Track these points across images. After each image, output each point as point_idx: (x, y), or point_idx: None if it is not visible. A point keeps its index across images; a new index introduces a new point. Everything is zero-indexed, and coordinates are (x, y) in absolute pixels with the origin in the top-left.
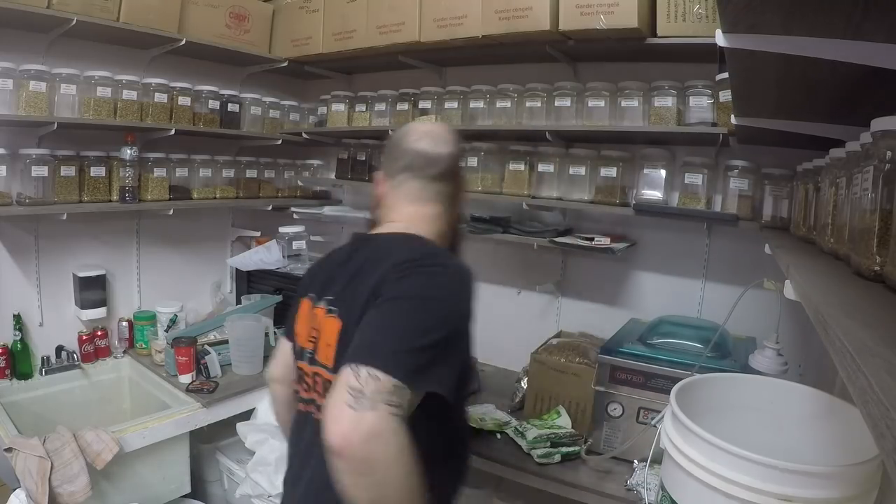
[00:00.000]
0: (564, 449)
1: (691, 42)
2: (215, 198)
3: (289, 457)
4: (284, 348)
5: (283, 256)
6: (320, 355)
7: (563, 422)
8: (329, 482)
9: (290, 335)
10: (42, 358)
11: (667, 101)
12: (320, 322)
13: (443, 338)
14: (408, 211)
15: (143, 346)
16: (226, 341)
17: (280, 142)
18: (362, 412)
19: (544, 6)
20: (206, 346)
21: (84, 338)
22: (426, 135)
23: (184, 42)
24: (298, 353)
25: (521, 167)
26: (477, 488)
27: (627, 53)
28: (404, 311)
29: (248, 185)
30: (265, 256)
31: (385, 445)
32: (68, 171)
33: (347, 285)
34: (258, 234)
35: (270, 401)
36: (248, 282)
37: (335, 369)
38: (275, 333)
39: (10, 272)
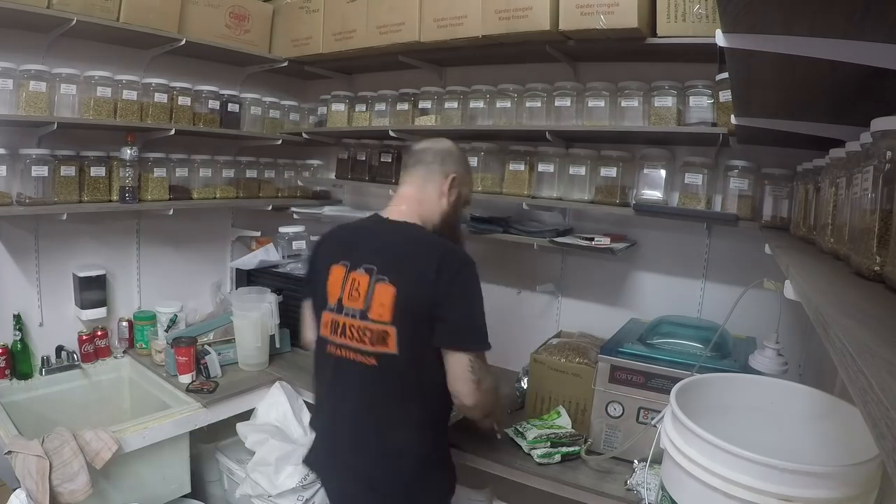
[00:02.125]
0: (564, 449)
1: (691, 42)
2: (215, 198)
3: (322, 394)
4: (310, 313)
5: (283, 257)
6: (373, 312)
7: (563, 422)
8: (370, 404)
9: (320, 294)
10: (42, 358)
11: (667, 101)
12: (364, 285)
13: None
14: (400, 192)
15: (143, 346)
16: (226, 341)
17: (280, 142)
18: (480, 386)
19: (544, 6)
20: (206, 346)
21: (84, 338)
22: (425, 142)
23: (184, 42)
24: (333, 308)
25: (521, 167)
26: (477, 488)
27: (627, 53)
28: (473, 300)
29: (248, 185)
30: (265, 258)
31: (489, 393)
32: (68, 171)
33: (389, 258)
34: (258, 234)
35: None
36: (249, 282)
37: (392, 323)
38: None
39: (10, 272)
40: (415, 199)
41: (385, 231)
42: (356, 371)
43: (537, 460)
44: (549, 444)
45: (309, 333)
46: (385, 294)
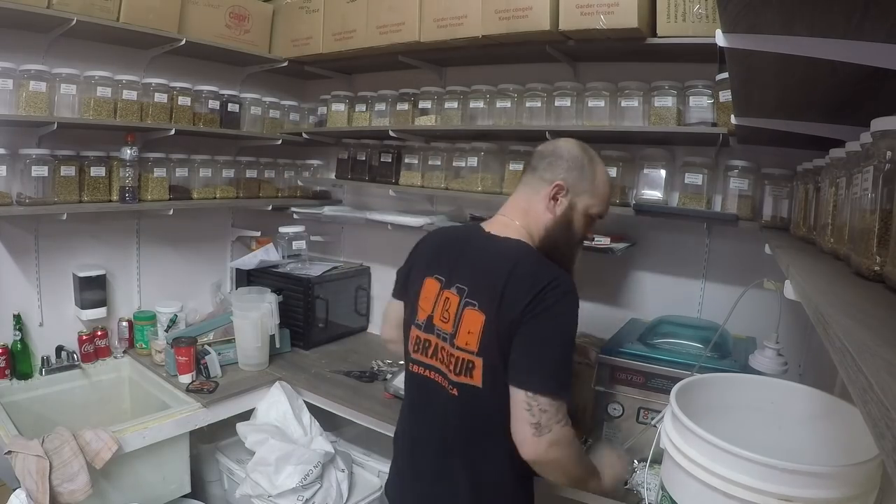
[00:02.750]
0: None
1: (691, 42)
2: (215, 198)
3: (405, 412)
4: (396, 312)
5: (283, 257)
6: (460, 339)
7: None
8: (450, 438)
9: (411, 305)
10: (42, 358)
11: (667, 101)
12: (454, 307)
13: (572, 354)
14: (510, 199)
15: (143, 346)
16: (226, 341)
17: (280, 142)
18: (542, 436)
19: (544, 6)
20: (206, 346)
21: (84, 338)
22: (549, 141)
23: (184, 42)
24: (421, 325)
25: (521, 167)
26: None
27: (627, 53)
28: (558, 336)
29: (248, 185)
30: (265, 258)
31: (561, 449)
32: (68, 171)
33: (481, 281)
34: (258, 234)
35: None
36: (248, 282)
37: (479, 353)
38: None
39: (10, 272)
40: (520, 208)
41: (482, 246)
42: (441, 397)
43: None
44: None
45: (390, 331)
46: (474, 321)
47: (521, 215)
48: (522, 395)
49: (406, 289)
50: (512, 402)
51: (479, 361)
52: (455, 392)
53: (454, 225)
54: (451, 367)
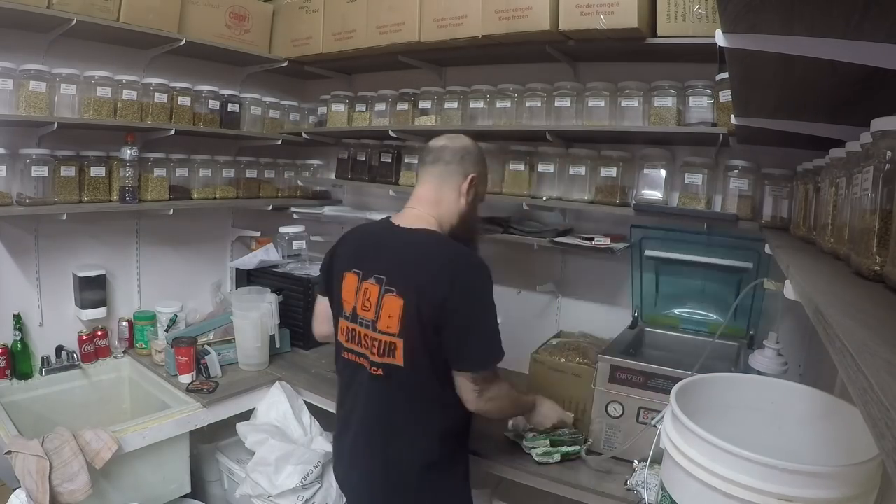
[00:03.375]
0: (564, 448)
1: (691, 42)
2: (215, 198)
3: (341, 396)
4: (325, 309)
5: (283, 256)
6: (381, 324)
7: None
8: (377, 414)
9: (336, 300)
10: (42, 358)
11: (667, 101)
12: (374, 296)
13: (495, 318)
14: (417, 192)
15: (143, 346)
16: (226, 341)
17: (280, 142)
18: (482, 395)
19: (544, 6)
20: (206, 346)
21: (84, 338)
22: (441, 138)
23: (184, 42)
24: (349, 317)
25: (521, 167)
26: (477, 488)
27: (627, 53)
28: (482, 314)
29: (248, 185)
30: (265, 258)
31: (500, 400)
32: (68, 171)
33: (397, 269)
34: (258, 234)
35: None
36: (249, 282)
37: (399, 335)
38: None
39: (10, 272)
40: (431, 200)
41: (396, 239)
42: (367, 379)
43: (536, 459)
44: (548, 442)
45: (320, 327)
46: (393, 306)
47: (432, 206)
48: (467, 377)
49: (330, 286)
50: (457, 381)
51: (400, 342)
52: (379, 371)
53: (367, 222)
54: (375, 350)
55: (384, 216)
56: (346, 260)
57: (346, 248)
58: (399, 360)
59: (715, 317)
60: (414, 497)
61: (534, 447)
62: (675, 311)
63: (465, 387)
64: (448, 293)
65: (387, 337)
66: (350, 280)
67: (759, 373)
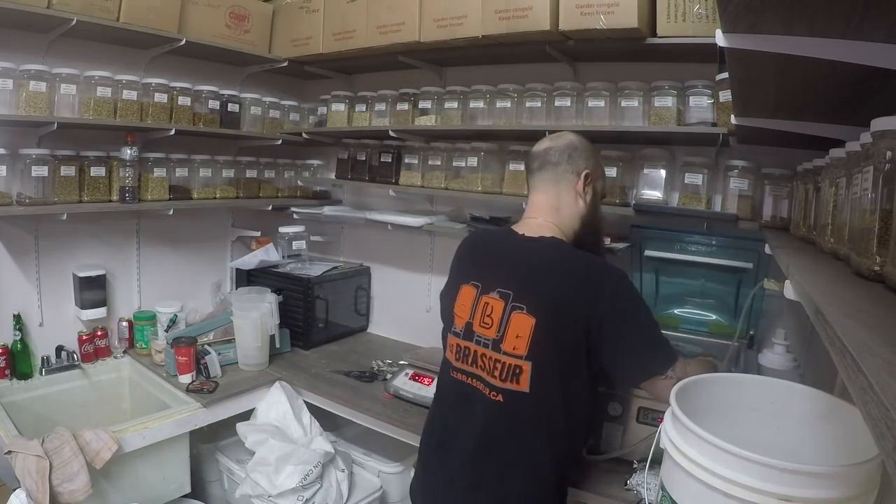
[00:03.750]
0: None
1: (691, 42)
2: (215, 198)
3: (438, 416)
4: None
5: (283, 256)
6: (507, 344)
7: None
8: (492, 444)
9: (448, 313)
10: (42, 358)
11: (667, 101)
12: (498, 312)
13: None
14: (532, 201)
15: (143, 346)
16: (226, 341)
17: (280, 142)
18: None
19: (544, 6)
20: (206, 346)
21: (84, 338)
22: (544, 140)
23: (184, 42)
24: (460, 333)
25: (521, 167)
26: None
27: (627, 53)
28: (640, 316)
29: (248, 185)
30: (265, 258)
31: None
32: (68, 171)
33: (526, 284)
34: (258, 234)
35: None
36: (249, 282)
37: (528, 357)
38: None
39: (10, 272)
40: (549, 207)
41: (520, 249)
42: (483, 403)
43: None
44: None
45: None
46: (523, 325)
47: (551, 213)
48: (660, 378)
49: (445, 299)
50: (651, 389)
51: (527, 366)
52: (499, 398)
53: (486, 230)
54: (496, 373)
55: (495, 222)
56: (462, 271)
57: (463, 258)
58: (524, 385)
59: (715, 317)
60: None
61: None
62: (676, 312)
63: (665, 386)
64: (597, 310)
65: (512, 360)
66: (466, 293)
67: (770, 370)
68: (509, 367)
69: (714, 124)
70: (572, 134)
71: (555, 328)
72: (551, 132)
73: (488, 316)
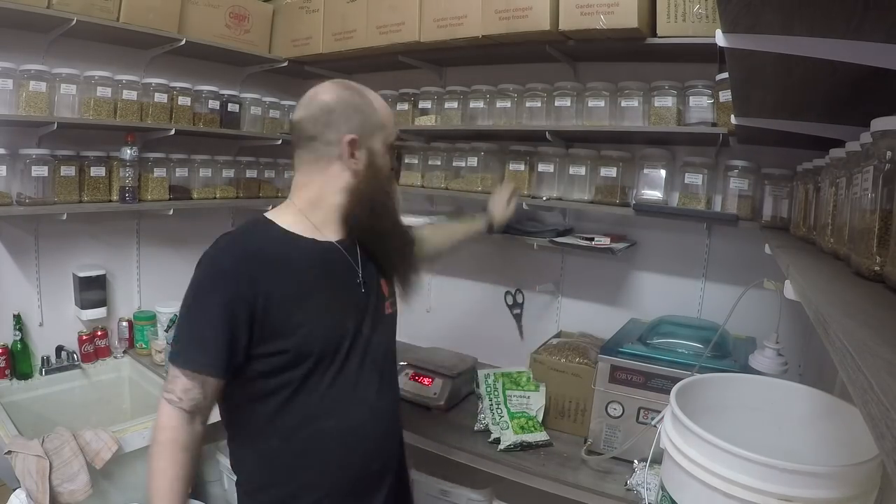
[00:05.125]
0: (529, 438)
1: (691, 42)
2: (215, 198)
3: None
4: None
5: None
6: None
7: (537, 401)
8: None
9: None
10: (42, 358)
11: (667, 101)
12: None
13: (192, 317)
14: (293, 183)
15: (143, 346)
16: None
17: (280, 142)
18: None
19: (544, 6)
20: None
21: (84, 338)
22: (298, 107)
23: (184, 42)
24: None
25: (521, 167)
26: (477, 488)
27: (627, 53)
28: (183, 306)
29: (248, 185)
30: None
31: (160, 431)
32: (68, 171)
33: None
34: None
35: None
36: None
37: None
38: None
39: (10, 272)
40: (299, 186)
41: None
42: None
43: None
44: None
45: None
46: None
47: (297, 193)
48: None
49: None
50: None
51: None
52: None
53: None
54: None
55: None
56: None
57: None
58: None
59: None
60: None
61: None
62: None
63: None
64: None
65: None
66: None
67: (759, 373)
68: None
69: (714, 124)
70: (328, 92)
71: None
72: (551, 132)
73: None
